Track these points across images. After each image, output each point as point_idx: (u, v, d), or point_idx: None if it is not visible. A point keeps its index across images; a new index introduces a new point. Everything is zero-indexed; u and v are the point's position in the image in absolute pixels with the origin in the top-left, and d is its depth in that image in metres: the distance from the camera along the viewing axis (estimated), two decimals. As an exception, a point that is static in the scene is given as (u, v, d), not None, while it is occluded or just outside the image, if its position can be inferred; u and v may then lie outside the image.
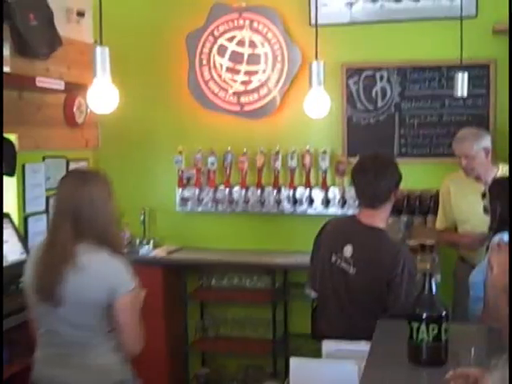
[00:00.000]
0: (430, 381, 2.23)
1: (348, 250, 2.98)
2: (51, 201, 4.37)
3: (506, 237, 2.73)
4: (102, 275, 2.39)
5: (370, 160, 3.05)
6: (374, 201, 2.97)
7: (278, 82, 4.70)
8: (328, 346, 2.75)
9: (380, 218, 2.99)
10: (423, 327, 2.29)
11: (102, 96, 2.71)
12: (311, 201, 4.61)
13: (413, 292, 2.78)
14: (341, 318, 3.04)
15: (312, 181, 4.63)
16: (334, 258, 3.04)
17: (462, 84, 3.93)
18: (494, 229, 2.90)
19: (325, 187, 4.59)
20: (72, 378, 2.45)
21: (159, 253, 4.61)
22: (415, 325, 2.31)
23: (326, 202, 4.58)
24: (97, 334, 2.44)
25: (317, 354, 2.87)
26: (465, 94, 3.99)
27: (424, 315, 2.30)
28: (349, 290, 2.98)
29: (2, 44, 3.79)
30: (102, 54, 2.64)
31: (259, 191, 4.68)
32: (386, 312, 2.86)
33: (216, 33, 4.79)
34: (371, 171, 2.96)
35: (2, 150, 3.65)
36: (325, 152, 4.58)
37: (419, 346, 2.30)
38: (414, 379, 2.33)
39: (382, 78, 4.59)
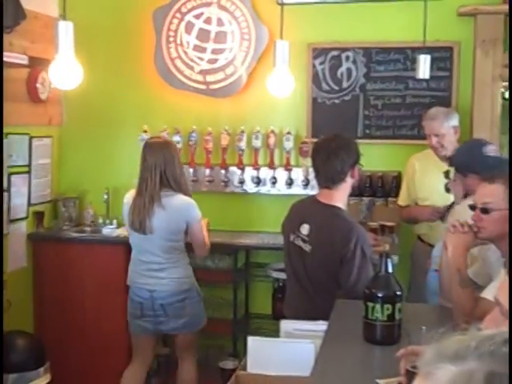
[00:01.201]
0: (384, 358, 2.26)
1: (305, 229, 3.01)
2: (13, 179, 4.33)
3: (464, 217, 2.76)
4: (180, 212, 3.50)
5: (327, 141, 3.08)
6: (329, 181, 2.99)
7: (244, 60, 4.68)
8: (286, 325, 2.77)
9: (337, 197, 3.01)
10: (378, 307, 2.33)
11: (65, 71, 2.68)
12: (275, 181, 4.62)
13: (367, 268, 2.84)
14: (300, 298, 3.08)
15: (276, 161, 4.64)
16: (292, 237, 3.07)
17: (424, 66, 3.96)
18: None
19: (288, 168, 4.59)
20: (155, 285, 3.55)
21: (122, 232, 4.58)
22: (370, 304, 2.35)
23: (290, 183, 4.59)
24: (174, 255, 3.56)
25: (277, 334, 2.88)
26: (427, 75, 4.03)
27: (379, 295, 2.34)
28: (306, 268, 3.01)
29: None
30: (65, 29, 2.60)
31: (223, 171, 4.68)
32: (341, 289, 2.90)
33: (184, 9, 4.74)
34: (325, 152, 2.99)
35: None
36: (289, 132, 4.58)
37: (374, 324, 2.34)
38: (369, 357, 2.37)
39: (347, 58, 4.59)
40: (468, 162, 3.11)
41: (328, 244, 2.92)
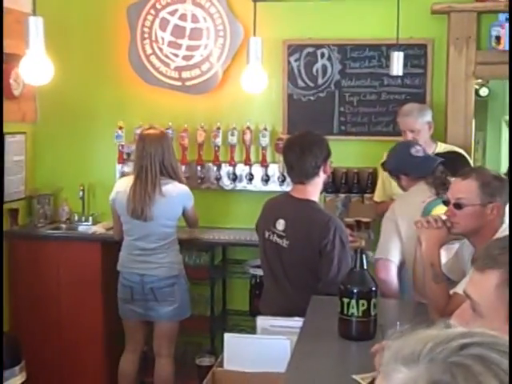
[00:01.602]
0: (359, 354, 2.28)
1: (280, 224, 3.04)
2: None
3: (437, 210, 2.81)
4: (178, 198, 3.74)
5: (299, 137, 3.16)
6: (302, 177, 3.04)
7: (220, 57, 4.67)
8: (262, 322, 2.78)
9: (311, 192, 3.06)
10: (353, 302, 2.35)
11: (35, 67, 2.65)
12: (251, 177, 4.63)
13: (347, 259, 2.87)
14: (277, 295, 3.09)
15: (252, 157, 4.64)
16: (267, 234, 3.09)
17: (397, 63, 4.00)
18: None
19: (265, 164, 4.60)
20: (145, 270, 3.71)
21: (98, 229, 4.56)
22: (346, 300, 2.37)
23: (266, 179, 4.60)
24: (167, 240, 3.74)
25: (255, 330, 2.90)
26: (400, 72, 4.06)
27: (354, 291, 2.36)
28: (283, 263, 3.03)
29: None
30: (35, 25, 2.58)
31: (199, 167, 4.67)
32: (320, 281, 2.92)
33: (158, 6, 4.72)
34: (297, 148, 3.04)
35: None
36: (265, 129, 4.59)
37: (349, 320, 2.36)
38: (344, 352, 2.39)
39: (322, 55, 4.61)
40: (398, 165, 3.23)
41: (306, 237, 2.95)
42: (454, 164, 3.25)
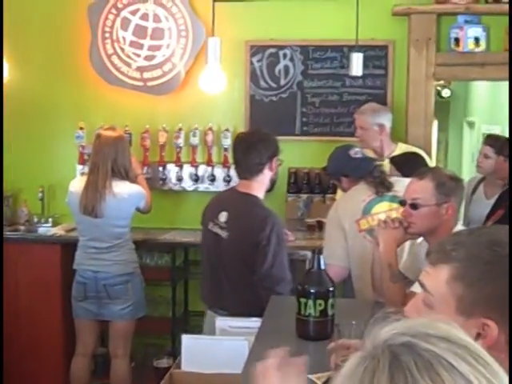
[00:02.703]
0: (316, 354, 2.28)
1: (223, 216, 3.10)
2: None
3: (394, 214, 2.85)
4: (128, 199, 3.73)
5: (246, 134, 3.34)
6: (246, 173, 3.13)
7: (182, 57, 4.65)
8: (221, 322, 2.77)
9: (255, 188, 3.12)
10: (310, 302, 2.35)
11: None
12: (213, 178, 4.61)
13: (282, 254, 2.97)
14: (211, 284, 3.20)
15: (214, 158, 4.63)
16: (210, 225, 3.17)
17: (357, 64, 4.03)
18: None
19: (227, 165, 4.58)
20: (99, 267, 3.72)
21: (58, 231, 4.50)
22: (303, 300, 2.37)
23: (228, 180, 4.58)
24: (121, 240, 3.75)
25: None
26: (360, 73, 4.10)
27: (312, 291, 2.36)
28: (221, 254, 3.10)
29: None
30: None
31: (161, 168, 4.64)
32: (255, 274, 2.99)
33: (119, 5, 4.68)
34: (245, 144, 3.14)
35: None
36: (227, 130, 4.58)
37: (307, 320, 2.36)
38: (301, 353, 2.38)
39: (285, 56, 4.62)
40: (338, 167, 3.30)
41: (245, 230, 3.03)
42: (412, 164, 3.30)
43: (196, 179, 4.63)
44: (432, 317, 0.90)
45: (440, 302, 1.25)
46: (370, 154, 4.06)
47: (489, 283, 1.20)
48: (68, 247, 4.22)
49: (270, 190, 3.26)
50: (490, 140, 4.51)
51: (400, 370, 0.79)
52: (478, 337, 1.18)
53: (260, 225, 2.98)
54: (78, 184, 3.80)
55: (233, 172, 4.56)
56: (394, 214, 2.77)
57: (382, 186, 3.07)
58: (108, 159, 3.67)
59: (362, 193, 3.12)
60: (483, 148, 4.49)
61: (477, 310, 1.20)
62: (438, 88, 8.13)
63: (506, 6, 4.24)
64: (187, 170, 4.64)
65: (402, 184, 3.10)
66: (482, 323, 1.18)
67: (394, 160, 3.63)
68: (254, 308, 2.90)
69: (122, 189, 3.70)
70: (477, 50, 4.30)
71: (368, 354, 0.83)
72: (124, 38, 4.70)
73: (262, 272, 2.97)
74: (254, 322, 2.61)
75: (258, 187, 3.13)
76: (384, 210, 3.06)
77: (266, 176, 3.13)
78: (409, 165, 3.30)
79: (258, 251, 2.98)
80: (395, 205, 3.01)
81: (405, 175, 3.14)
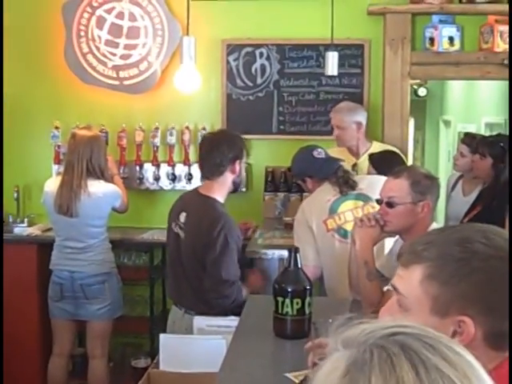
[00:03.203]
0: (294, 352, 2.29)
1: (183, 217, 3.14)
2: None
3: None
4: (104, 198, 3.71)
5: (212, 134, 3.34)
6: (208, 173, 3.14)
7: (158, 56, 4.63)
8: (199, 321, 2.78)
9: (216, 190, 3.13)
10: (288, 301, 2.35)
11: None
12: (190, 177, 4.60)
13: (229, 255, 2.99)
14: (172, 280, 3.28)
15: (191, 157, 4.62)
16: (173, 225, 3.20)
17: (332, 63, 4.03)
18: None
19: (204, 164, 4.57)
20: (76, 267, 3.70)
21: (34, 230, 4.47)
22: (280, 299, 2.37)
23: (205, 179, 4.58)
24: (97, 240, 3.74)
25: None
26: (335, 72, 4.11)
27: (288, 289, 2.37)
28: (180, 253, 3.13)
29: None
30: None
31: (138, 167, 4.62)
32: (205, 271, 3.03)
33: (94, 3, 4.65)
34: (209, 144, 3.17)
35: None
36: (204, 128, 4.57)
37: (284, 319, 2.37)
38: (279, 351, 2.40)
39: (261, 55, 4.62)
40: (302, 168, 3.32)
41: (197, 230, 3.06)
42: (389, 163, 3.32)
43: (173, 178, 4.62)
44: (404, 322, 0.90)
45: (414, 303, 1.24)
46: (346, 152, 4.09)
47: (462, 279, 1.20)
48: (44, 247, 4.19)
49: (233, 192, 3.25)
50: (467, 139, 4.57)
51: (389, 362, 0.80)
52: (454, 334, 1.19)
53: (211, 225, 3.00)
54: (53, 184, 3.78)
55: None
56: (360, 213, 2.84)
57: (346, 185, 3.10)
58: (83, 158, 3.65)
59: (326, 193, 3.16)
60: (460, 146, 4.57)
61: (452, 308, 1.20)
62: (415, 87, 8.20)
63: (480, 6, 4.30)
64: (164, 169, 4.63)
65: (366, 182, 3.16)
66: (457, 320, 1.19)
67: (373, 158, 3.66)
68: (211, 307, 2.94)
69: (97, 188, 3.68)
70: (451, 49, 4.34)
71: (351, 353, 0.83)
72: (99, 37, 4.67)
73: (209, 271, 3.01)
74: (232, 321, 2.62)
75: (219, 189, 3.13)
76: (350, 208, 3.11)
77: (227, 178, 3.12)
78: (386, 163, 3.32)
79: (207, 251, 3.01)
80: (361, 203, 3.10)
81: (381, 173, 3.17)
